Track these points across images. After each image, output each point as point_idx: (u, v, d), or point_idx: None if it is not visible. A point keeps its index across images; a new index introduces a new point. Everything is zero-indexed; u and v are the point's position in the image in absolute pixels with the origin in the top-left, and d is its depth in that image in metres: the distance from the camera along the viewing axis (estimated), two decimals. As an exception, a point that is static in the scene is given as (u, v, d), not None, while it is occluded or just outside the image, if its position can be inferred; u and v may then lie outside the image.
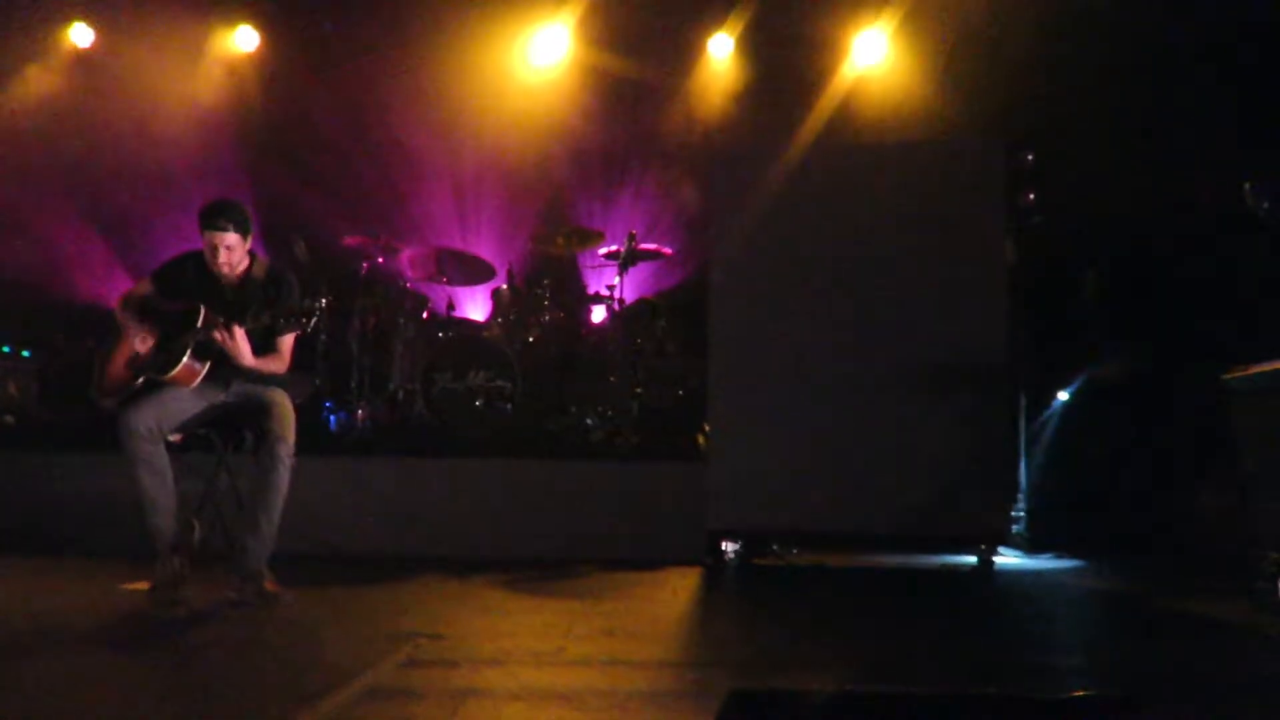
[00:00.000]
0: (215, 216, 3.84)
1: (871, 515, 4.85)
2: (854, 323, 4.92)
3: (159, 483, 3.71)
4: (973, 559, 4.84)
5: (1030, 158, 5.45)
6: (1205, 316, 5.44)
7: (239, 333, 3.73)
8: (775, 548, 5.37)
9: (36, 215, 7.53)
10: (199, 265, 3.99)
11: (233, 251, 3.88)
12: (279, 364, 3.96)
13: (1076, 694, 1.52)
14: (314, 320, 3.74)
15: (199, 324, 3.77)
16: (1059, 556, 5.26)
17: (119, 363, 3.96)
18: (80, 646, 3.09)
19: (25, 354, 7.00)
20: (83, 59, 7.83)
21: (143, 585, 3.81)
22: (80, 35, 7.79)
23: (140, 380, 3.81)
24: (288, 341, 3.98)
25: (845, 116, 7.11)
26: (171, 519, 3.75)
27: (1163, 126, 5.78)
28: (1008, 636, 3.57)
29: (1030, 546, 5.37)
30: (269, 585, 3.69)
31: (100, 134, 7.64)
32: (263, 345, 3.89)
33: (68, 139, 7.70)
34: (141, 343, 3.92)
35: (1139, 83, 5.83)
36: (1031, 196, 5.43)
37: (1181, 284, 5.66)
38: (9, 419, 6.40)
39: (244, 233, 3.90)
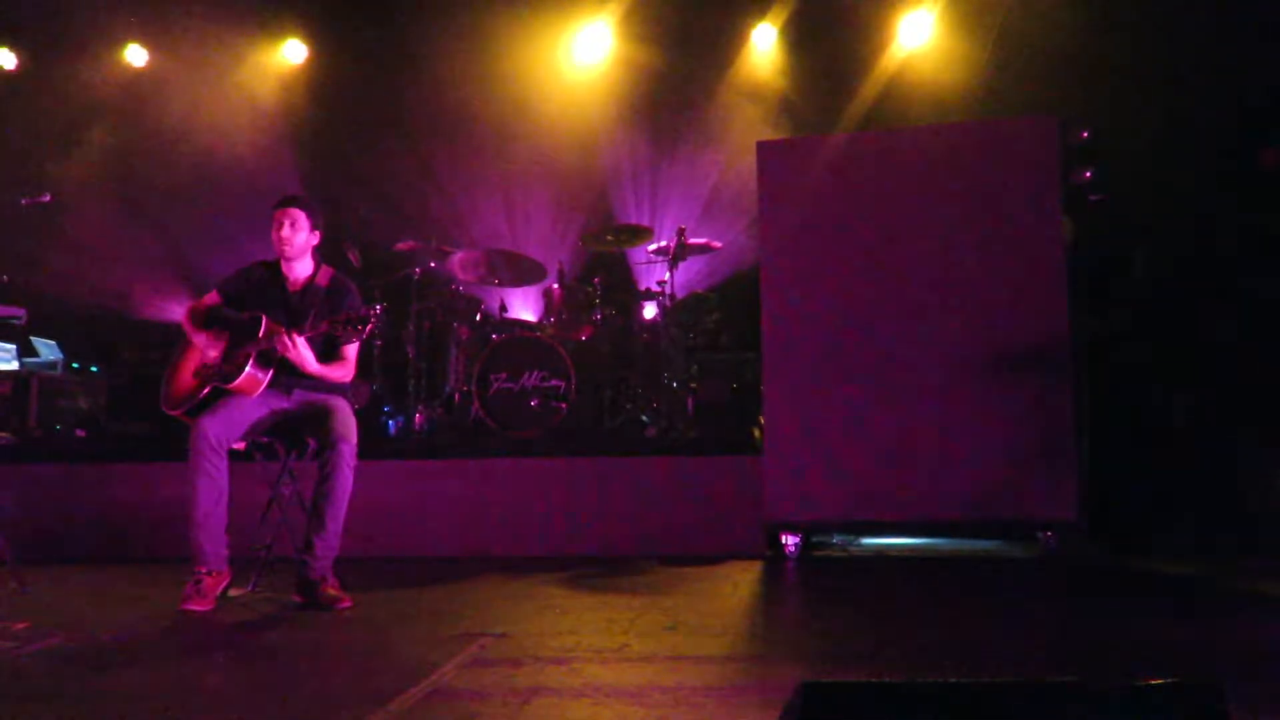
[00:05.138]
0: (282, 199, 4.08)
1: (932, 503, 4.76)
2: (909, 309, 4.84)
3: (214, 497, 3.71)
4: (1038, 546, 4.75)
5: (1085, 134, 5.30)
6: (1271, 294, 5.26)
7: (300, 340, 3.77)
8: (836, 539, 5.31)
9: (98, 233, 7.73)
10: (264, 273, 4.12)
11: (295, 230, 3.99)
12: (344, 370, 3.99)
13: (1157, 680, 1.46)
14: (369, 327, 3.74)
15: (260, 334, 3.83)
16: (1125, 542, 5.13)
17: (186, 373, 4.04)
18: (149, 652, 3.15)
19: (94, 369, 7.21)
20: (138, 78, 8.04)
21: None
22: (135, 55, 8.01)
23: (206, 390, 3.88)
24: (352, 349, 4.01)
25: (894, 100, 7.02)
26: (214, 543, 3.72)
27: (1221, 96, 5.61)
28: (1079, 624, 3.49)
29: (1096, 533, 5.24)
30: (332, 589, 3.74)
31: (156, 151, 7.84)
32: (327, 353, 3.94)
33: (125, 157, 7.92)
34: (208, 352, 3.99)
35: (1194, 53, 5.67)
36: (1088, 174, 5.29)
37: (1246, 260, 5.49)
38: (80, 432, 6.60)
39: (308, 213, 4.03)
